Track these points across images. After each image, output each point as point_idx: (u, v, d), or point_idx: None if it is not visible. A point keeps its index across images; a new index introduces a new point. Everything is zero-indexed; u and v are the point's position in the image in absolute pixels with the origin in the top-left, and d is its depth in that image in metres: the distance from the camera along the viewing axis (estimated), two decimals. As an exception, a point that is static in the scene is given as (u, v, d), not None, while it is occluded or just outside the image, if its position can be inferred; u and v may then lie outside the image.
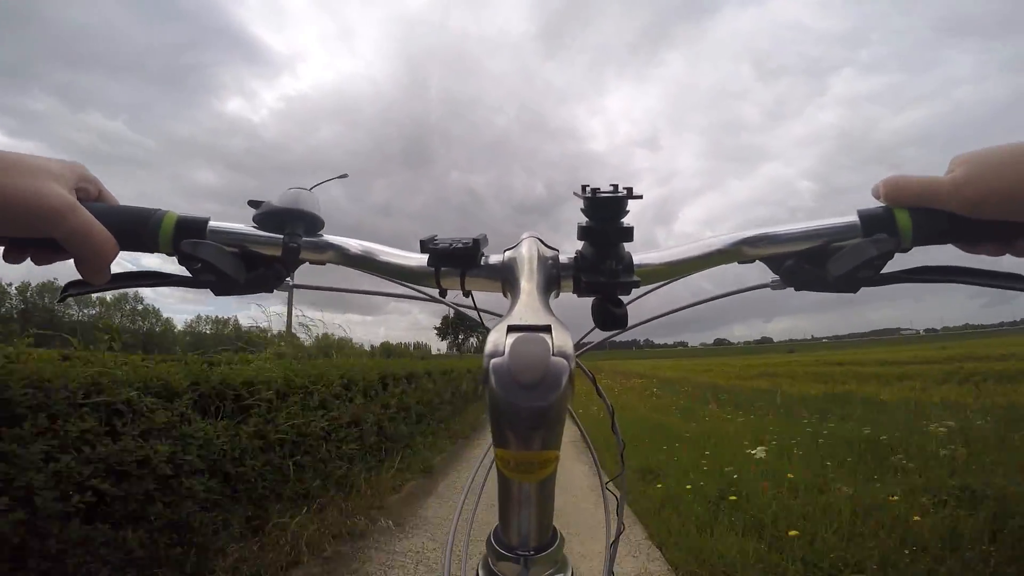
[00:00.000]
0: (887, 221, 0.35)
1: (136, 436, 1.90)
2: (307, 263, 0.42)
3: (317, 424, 3.13)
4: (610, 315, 0.35)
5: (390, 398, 4.55)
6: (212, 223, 0.39)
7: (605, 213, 0.33)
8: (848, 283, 0.36)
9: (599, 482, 0.49)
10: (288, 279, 0.43)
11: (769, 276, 0.40)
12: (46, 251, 0.36)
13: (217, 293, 0.39)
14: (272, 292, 0.43)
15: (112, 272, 0.36)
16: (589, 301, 0.37)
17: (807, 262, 0.37)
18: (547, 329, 0.26)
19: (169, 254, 0.38)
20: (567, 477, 3.85)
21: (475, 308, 0.45)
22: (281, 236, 0.40)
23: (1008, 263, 0.36)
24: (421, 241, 0.39)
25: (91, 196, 0.37)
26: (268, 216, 0.40)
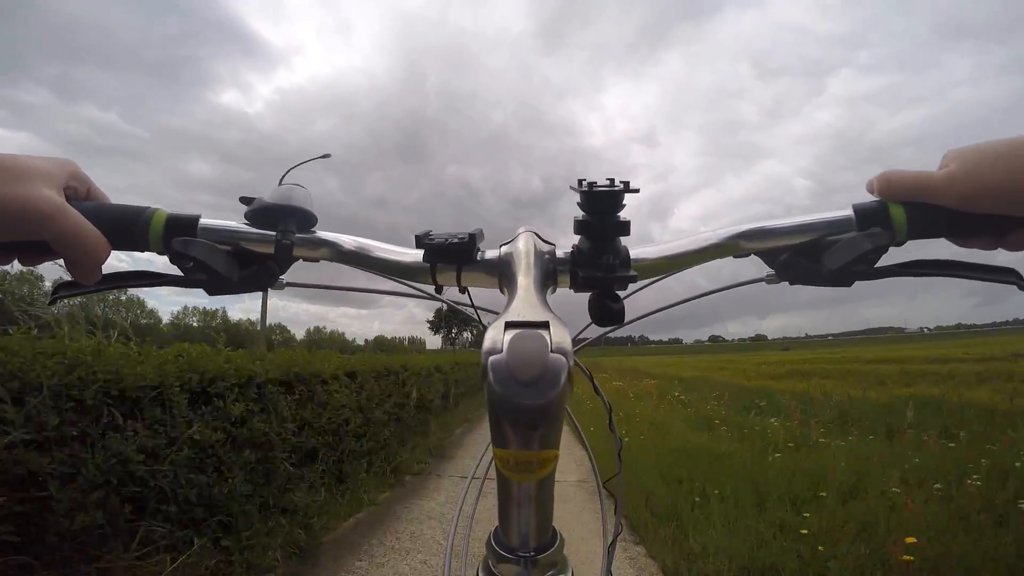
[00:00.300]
0: (882, 215, 0.35)
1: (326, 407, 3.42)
2: (301, 260, 0.41)
3: (411, 396, 5.32)
4: (607, 310, 0.35)
5: (438, 383, 6.87)
6: (203, 220, 0.38)
7: (602, 207, 0.33)
8: (843, 277, 0.36)
9: (596, 483, 0.49)
10: (282, 277, 0.42)
11: (764, 271, 0.40)
12: (35, 252, 0.35)
13: (210, 293, 0.38)
14: (266, 291, 0.42)
15: (103, 272, 0.35)
16: (583, 297, 0.37)
17: (802, 256, 0.37)
18: (545, 325, 0.26)
19: (160, 253, 0.37)
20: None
21: (472, 305, 0.44)
22: (274, 233, 0.39)
23: (1001, 257, 0.36)
24: (416, 236, 0.38)
25: (80, 195, 0.37)
26: (260, 213, 0.39)
